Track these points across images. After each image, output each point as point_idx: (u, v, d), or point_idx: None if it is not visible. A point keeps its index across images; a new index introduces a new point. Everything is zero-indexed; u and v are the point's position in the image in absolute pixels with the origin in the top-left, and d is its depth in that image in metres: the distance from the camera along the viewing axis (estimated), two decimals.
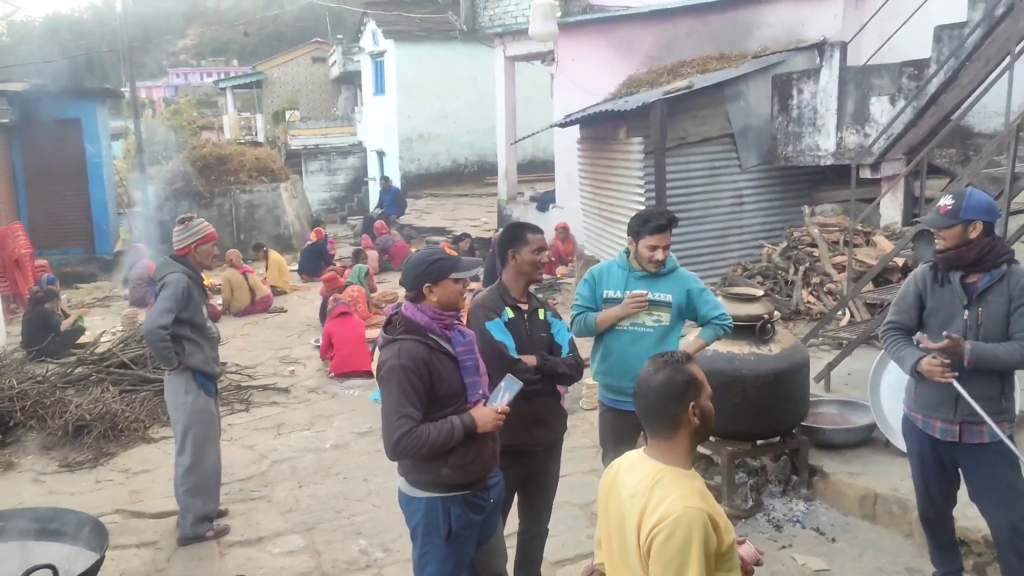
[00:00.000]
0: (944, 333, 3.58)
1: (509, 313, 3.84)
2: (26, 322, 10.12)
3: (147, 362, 8.46)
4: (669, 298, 4.23)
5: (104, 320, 11.69)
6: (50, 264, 13.42)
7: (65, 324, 10.12)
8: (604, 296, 4.32)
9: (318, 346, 9.97)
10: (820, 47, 9.80)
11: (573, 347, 3.97)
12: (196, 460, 5.20)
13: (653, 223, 4.21)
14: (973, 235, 3.58)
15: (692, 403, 2.37)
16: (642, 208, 9.64)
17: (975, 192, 3.65)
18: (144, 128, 25.27)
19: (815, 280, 8.73)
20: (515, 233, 3.93)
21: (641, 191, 9.64)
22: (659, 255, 4.20)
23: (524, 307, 3.90)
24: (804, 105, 9.49)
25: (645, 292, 4.20)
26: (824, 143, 9.36)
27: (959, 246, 3.61)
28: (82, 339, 10.07)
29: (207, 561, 5.01)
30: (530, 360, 3.77)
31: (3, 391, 7.19)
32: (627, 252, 4.36)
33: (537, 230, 3.95)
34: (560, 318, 4.04)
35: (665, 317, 4.23)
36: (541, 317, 3.95)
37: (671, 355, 2.47)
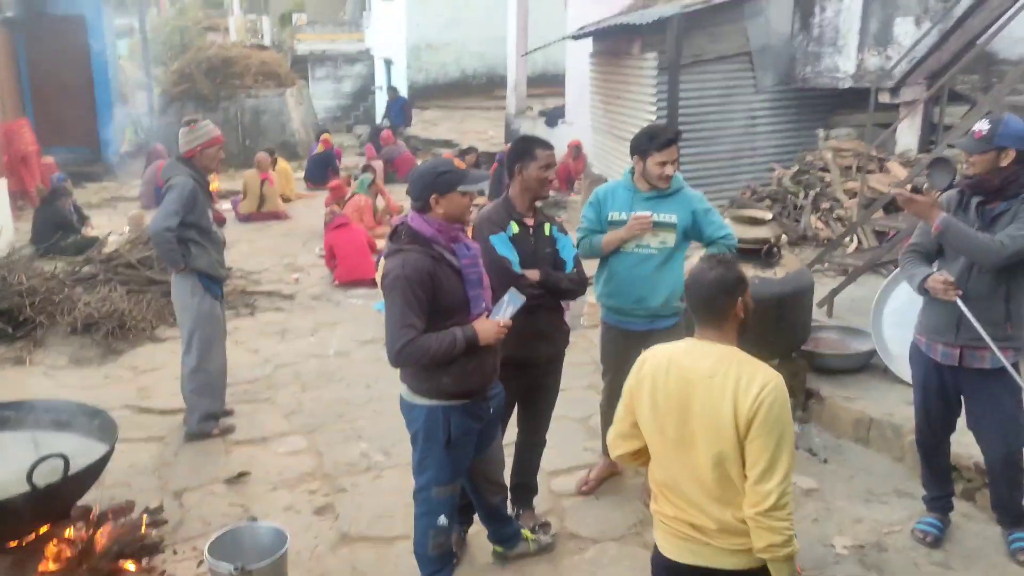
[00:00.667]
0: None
1: (514, 228, 3.83)
2: (38, 219, 10.13)
3: (154, 263, 8.49)
4: (674, 219, 4.17)
5: (111, 220, 11.69)
6: (56, 163, 13.32)
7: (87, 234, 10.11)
8: (609, 218, 4.26)
9: (322, 255, 10.00)
10: None
11: (578, 263, 3.98)
12: (201, 360, 5.29)
13: (661, 138, 4.13)
14: (1005, 163, 3.54)
15: (740, 298, 2.62)
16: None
17: (1012, 119, 3.57)
18: (149, 27, 24.82)
19: (825, 206, 8.68)
20: (524, 147, 3.88)
21: (653, 108, 9.51)
22: (668, 170, 4.13)
23: (530, 222, 3.89)
24: (826, 24, 9.25)
25: (650, 214, 4.14)
26: (844, 64, 9.17)
27: (988, 172, 3.57)
28: (87, 235, 10.12)
29: (213, 457, 5.14)
30: (533, 275, 3.78)
31: (12, 286, 7.25)
32: (631, 172, 4.28)
33: (547, 146, 3.89)
34: (566, 233, 4.03)
35: (670, 239, 4.19)
36: (547, 232, 3.94)
37: (723, 256, 2.86)
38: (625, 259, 4.24)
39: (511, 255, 3.76)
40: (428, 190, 3.25)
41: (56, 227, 9.92)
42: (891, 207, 7.96)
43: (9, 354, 6.82)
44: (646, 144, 4.16)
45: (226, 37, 32.14)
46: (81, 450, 3.90)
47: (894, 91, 8.76)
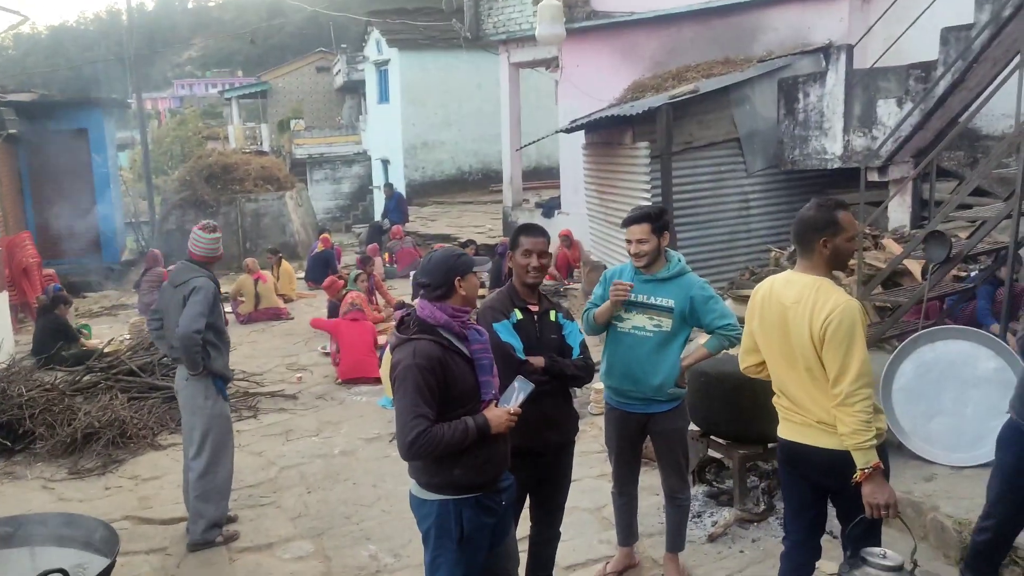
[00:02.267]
0: None
1: (518, 315, 3.83)
2: (38, 329, 10.13)
3: (155, 369, 8.46)
4: (671, 303, 4.16)
5: (111, 328, 11.70)
6: (57, 274, 13.43)
7: (87, 344, 10.11)
8: None
9: (325, 352, 9.98)
10: (826, 50, 9.78)
11: (584, 349, 3.95)
12: (212, 464, 5.21)
13: (628, 216, 4.22)
14: None
15: (825, 238, 3.22)
16: None
17: None
18: (150, 139, 25.43)
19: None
20: (512, 236, 3.96)
21: (647, 195, 9.63)
22: (634, 248, 4.17)
23: (534, 308, 3.89)
24: (811, 108, 9.47)
25: (629, 284, 4.16)
26: (831, 146, 9.35)
27: None
28: (88, 345, 10.09)
29: (217, 567, 4.99)
30: (537, 361, 3.75)
31: (12, 399, 7.19)
32: None
33: (535, 232, 3.91)
34: (572, 320, 4.03)
35: (666, 322, 4.17)
36: (552, 318, 3.93)
37: (827, 199, 3.33)
38: (622, 339, 4.25)
39: (515, 342, 3.75)
40: (452, 273, 3.28)
41: (56, 334, 9.91)
42: (889, 283, 7.99)
43: (8, 468, 6.71)
44: (622, 222, 4.27)
45: (226, 145, 32.94)
46: (82, 564, 3.79)
47: (882, 170, 8.90)
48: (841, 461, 3.16)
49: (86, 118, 16.96)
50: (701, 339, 4.48)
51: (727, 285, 9.43)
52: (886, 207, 8.63)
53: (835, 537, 4.66)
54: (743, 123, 9.88)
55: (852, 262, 8.38)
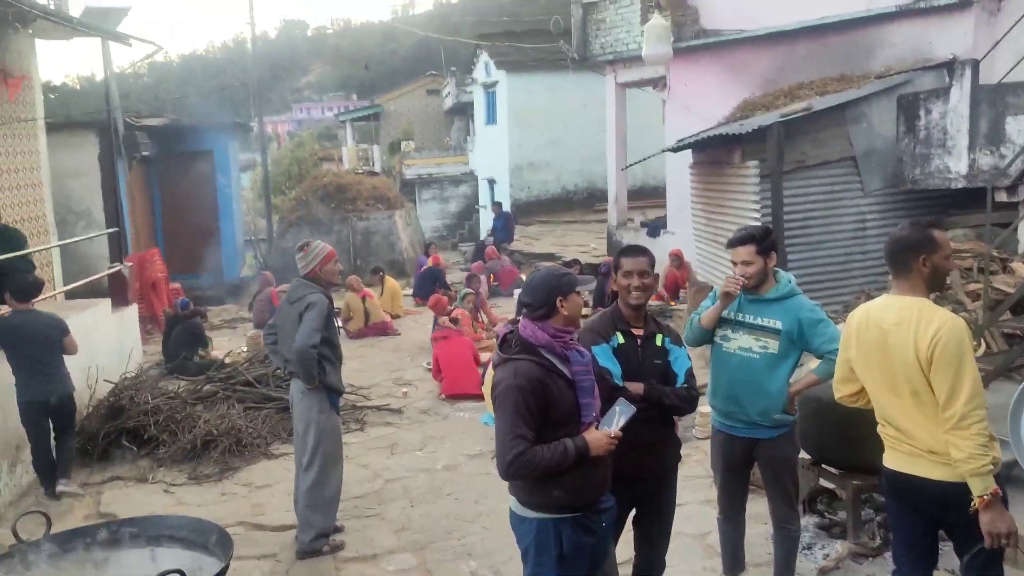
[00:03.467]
0: None
1: (619, 338, 3.78)
2: (175, 335, 10.67)
3: (269, 381, 8.79)
4: (778, 324, 4.04)
5: (230, 341, 12.23)
6: (183, 288, 14.15)
7: (209, 355, 10.61)
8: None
9: (429, 368, 10.15)
10: (949, 66, 9.37)
11: (690, 377, 3.84)
12: (322, 476, 5.37)
13: (733, 237, 4.15)
14: None
15: (923, 256, 3.14)
16: None
17: None
18: (270, 160, 26.56)
19: (948, 308, 8.28)
20: (615, 258, 3.93)
21: (757, 215, 9.42)
22: (739, 270, 4.08)
23: (638, 332, 3.83)
24: (933, 126, 9.07)
25: (741, 279, 4.05)
26: (955, 165, 8.92)
27: None
28: (210, 356, 10.60)
29: (323, 575, 5.12)
30: (636, 388, 3.68)
31: (139, 406, 7.61)
32: None
33: (636, 253, 3.86)
34: (681, 345, 3.94)
35: (772, 344, 4.05)
36: (658, 343, 3.85)
37: (920, 219, 3.28)
38: (727, 360, 4.16)
39: (612, 367, 3.70)
40: (554, 293, 3.26)
41: (194, 340, 10.47)
42: (1019, 308, 7.54)
43: (133, 472, 7.10)
44: (728, 245, 4.18)
45: (340, 166, 34.06)
46: (198, 566, 3.95)
47: (1011, 189, 8.43)
48: (955, 493, 3.02)
49: (212, 141, 17.87)
50: (812, 364, 4.34)
51: (841, 309, 9.10)
52: (1015, 228, 8.19)
53: (951, 573, 4.42)
54: (859, 141, 9.55)
55: (977, 288, 7.97)
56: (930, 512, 3.21)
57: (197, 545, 4.23)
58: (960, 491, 3.00)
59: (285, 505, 6.24)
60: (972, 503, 2.96)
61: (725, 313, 4.16)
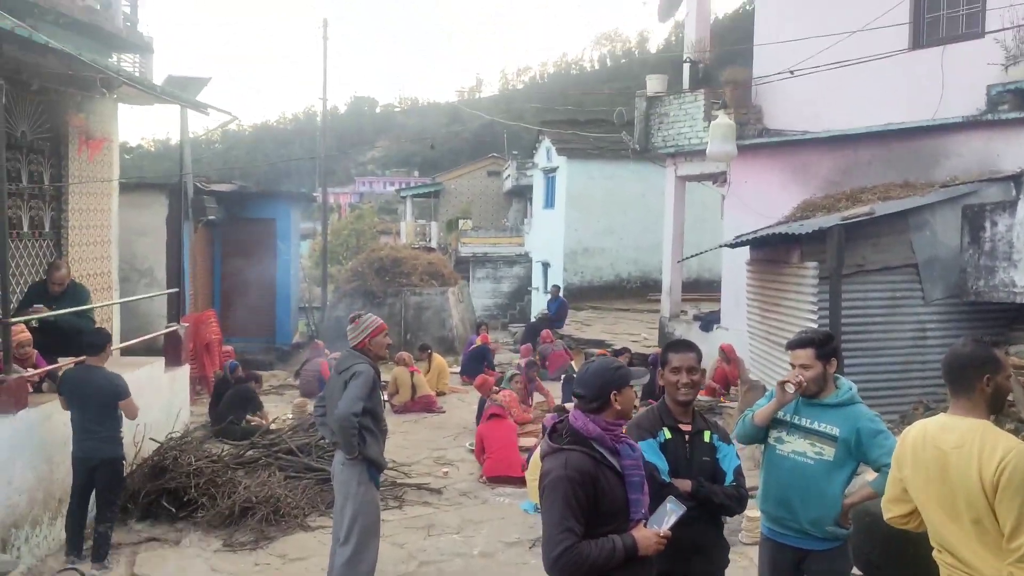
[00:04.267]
0: None
1: (666, 434, 3.72)
2: (227, 397, 10.75)
3: (312, 450, 8.79)
4: (835, 431, 3.94)
5: (276, 407, 12.30)
6: (234, 351, 14.35)
7: (254, 420, 10.67)
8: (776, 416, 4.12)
9: (472, 449, 10.05)
10: (1016, 179, 9.26)
11: (739, 475, 3.77)
12: (358, 551, 5.33)
13: (793, 339, 4.13)
14: None
15: (987, 375, 3.03)
16: None
17: None
18: (330, 230, 27.16)
19: (1009, 427, 7.98)
20: (662, 353, 3.90)
21: (814, 317, 9.26)
22: (795, 373, 4.01)
23: (686, 428, 3.77)
24: (998, 238, 8.91)
25: (801, 379, 3.96)
26: (1020, 279, 8.71)
27: None
28: (255, 421, 10.64)
29: None
30: (684, 484, 3.61)
31: (182, 467, 7.64)
32: None
33: (683, 348, 3.84)
34: (730, 443, 3.87)
35: (828, 451, 3.94)
36: (707, 439, 3.79)
37: (982, 337, 3.05)
38: (780, 463, 4.06)
39: (659, 462, 3.64)
40: (608, 387, 3.24)
41: (245, 403, 10.53)
42: None
43: (170, 534, 7.09)
44: (787, 347, 4.16)
45: (397, 240, 34.70)
46: None
47: None
48: None
49: (275, 209, 18.38)
50: (869, 476, 4.19)
51: (898, 419, 8.82)
52: None
53: None
54: (922, 249, 9.41)
55: (1012, 400, 7.68)
56: None
57: None
58: None
59: None
60: None
61: (780, 414, 4.08)
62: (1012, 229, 8.78)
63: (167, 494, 7.44)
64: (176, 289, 10.51)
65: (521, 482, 8.48)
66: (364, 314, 5.67)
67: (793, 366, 4.06)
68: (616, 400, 3.23)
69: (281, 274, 18.24)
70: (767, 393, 4.30)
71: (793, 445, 4.03)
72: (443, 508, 8.12)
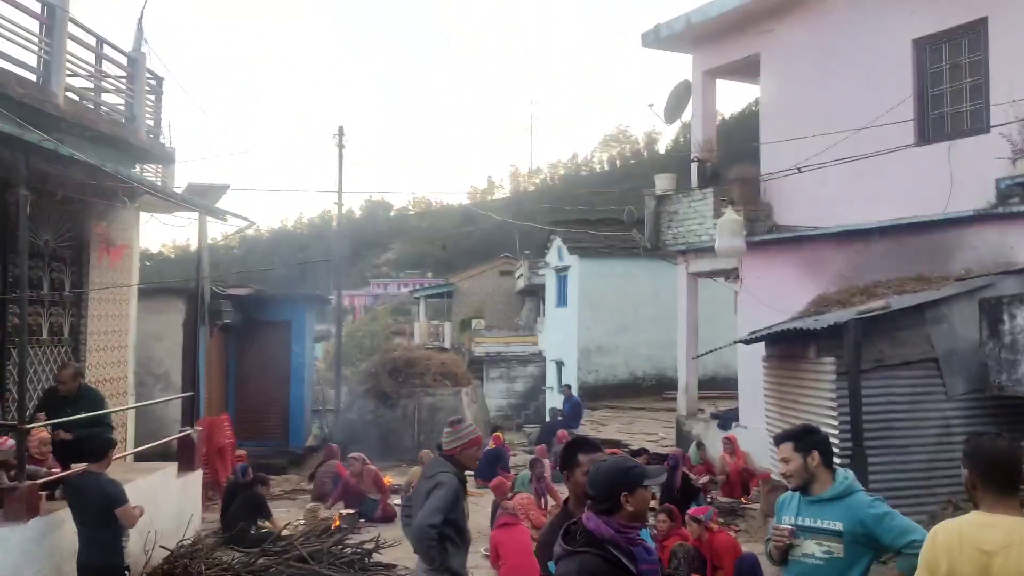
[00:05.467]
0: None
1: None
2: (237, 504, 10.56)
3: (323, 557, 8.57)
4: (839, 526, 3.87)
5: (288, 512, 12.06)
6: (246, 454, 14.20)
7: (266, 526, 10.46)
8: (781, 523, 4.12)
9: (487, 555, 9.77)
10: None
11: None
12: None
13: (777, 435, 4.18)
14: None
15: None
16: (835, 432, 9.10)
17: None
18: (344, 332, 27.26)
19: None
20: (567, 453, 3.86)
21: (834, 414, 9.13)
22: (780, 468, 4.10)
23: None
24: (1018, 331, 8.82)
25: (790, 527, 3.99)
26: None
27: None
28: (268, 527, 10.42)
29: None
30: None
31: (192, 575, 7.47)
32: None
33: (593, 449, 3.85)
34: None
35: (836, 548, 3.86)
36: None
37: (1006, 433, 3.10)
38: (793, 568, 4.00)
39: None
40: (618, 488, 3.18)
41: (254, 511, 10.32)
42: None
43: None
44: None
45: (411, 340, 34.74)
46: None
47: None
48: None
49: (291, 311, 18.50)
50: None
51: (926, 518, 8.56)
52: None
53: None
54: (941, 343, 9.33)
55: None
56: None
57: None
58: None
59: None
60: None
61: (788, 519, 4.07)
62: None
63: None
64: (191, 393, 10.50)
65: None
66: (465, 421, 5.62)
67: (779, 460, 4.14)
68: (627, 501, 3.16)
69: (295, 376, 18.21)
70: (776, 505, 4.30)
71: (803, 548, 3.97)
72: None
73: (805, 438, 4.09)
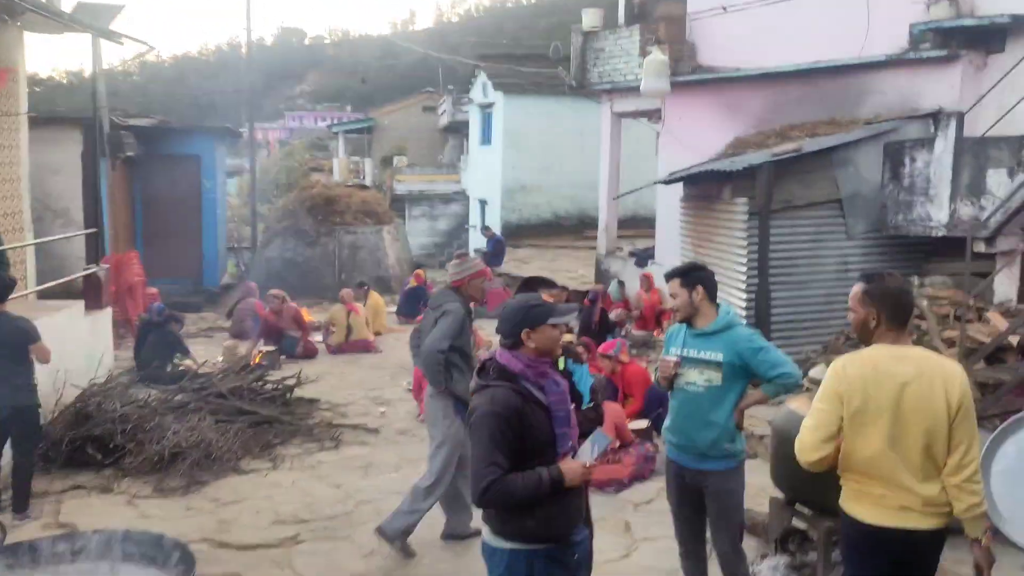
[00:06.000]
0: None
1: None
2: (149, 343, 10.51)
3: (244, 394, 8.68)
4: (719, 357, 4.15)
5: (206, 350, 12.08)
6: (160, 293, 14.00)
7: (183, 364, 10.46)
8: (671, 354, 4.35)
9: (410, 388, 10.07)
10: (935, 117, 9.50)
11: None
12: (438, 478, 5.52)
13: (668, 271, 4.36)
14: None
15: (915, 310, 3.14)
16: (743, 269, 9.45)
17: None
18: (258, 167, 26.44)
19: None
20: (525, 288, 3.97)
21: (744, 252, 9.46)
22: (669, 302, 4.27)
23: None
24: (917, 174, 9.16)
25: (674, 358, 4.23)
26: (936, 214, 9.00)
27: None
28: (184, 365, 10.45)
29: None
30: None
31: (107, 413, 7.45)
32: None
33: (550, 285, 3.98)
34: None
35: (716, 377, 4.15)
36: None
37: (890, 272, 3.36)
38: (677, 395, 4.29)
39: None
40: (520, 325, 3.26)
41: (168, 349, 10.30)
42: (992, 358, 7.58)
43: (96, 481, 6.94)
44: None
45: (329, 177, 33.97)
46: None
47: (989, 241, 8.53)
48: (939, 539, 3.21)
49: (199, 145, 17.77)
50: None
51: (821, 349, 9.12)
52: (992, 280, 8.25)
53: None
54: (846, 185, 9.63)
55: (953, 336, 8.01)
56: (904, 560, 3.21)
57: (157, 562, 4.13)
58: (940, 537, 3.19)
59: (253, 523, 6.16)
60: (981, 538, 3.13)
61: (675, 351, 4.29)
62: (929, 165, 9.03)
63: (91, 442, 7.24)
64: (95, 229, 10.13)
65: None
66: (470, 255, 5.82)
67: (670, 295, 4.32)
68: (530, 338, 3.25)
69: (207, 213, 17.72)
70: (665, 335, 4.53)
71: (686, 376, 4.23)
72: (380, 447, 8.15)
73: (691, 274, 4.29)
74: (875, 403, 3.12)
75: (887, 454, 3.12)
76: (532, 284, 3.97)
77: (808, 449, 3.25)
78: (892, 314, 3.21)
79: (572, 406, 3.43)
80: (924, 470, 3.09)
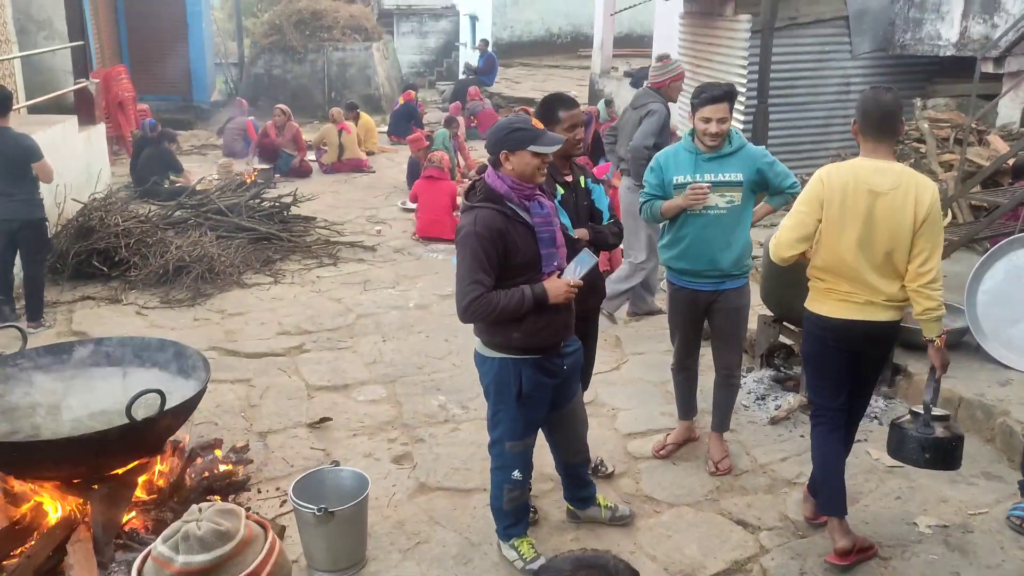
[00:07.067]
0: None
1: (560, 190, 3.84)
2: (143, 159, 10.43)
3: (242, 210, 8.72)
4: (740, 177, 4.11)
5: (200, 167, 12.02)
6: (150, 109, 13.71)
7: (179, 181, 10.40)
8: (674, 182, 4.17)
9: (404, 208, 10.12)
10: None
11: (613, 211, 4.07)
12: (645, 260, 6.24)
13: (707, 94, 4.06)
14: None
15: (903, 123, 3.45)
16: (743, 89, 9.30)
17: None
18: None
19: None
20: (547, 110, 3.84)
21: (744, 71, 9.27)
22: (712, 128, 4.04)
23: (569, 179, 3.92)
24: None
25: (707, 185, 4.06)
26: (947, 32, 8.76)
27: None
28: (180, 182, 10.44)
29: (296, 401, 5.30)
30: (582, 233, 3.82)
31: (109, 228, 7.54)
32: (692, 133, 4.20)
33: (570, 105, 3.86)
34: (599, 183, 4.07)
35: (737, 196, 4.13)
36: (583, 185, 3.96)
37: (886, 86, 3.48)
38: (695, 221, 4.15)
39: (565, 219, 3.76)
40: (499, 145, 3.27)
41: (163, 165, 10.25)
42: (990, 181, 7.63)
43: (104, 293, 7.15)
44: (694, 99, 4.11)
45: None
46: (175, 387, 3.99)
47: (998, 61, 8.33)
48: (893, 330, 3.56)
49: None
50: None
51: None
52: (997, 102, 8.16)
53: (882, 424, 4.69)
54: (854, 1, 9.30)
55: (952, 159, 8.02)
56: (863, 350, 3.57)
57: (173, 366, 4.25)
58: (895, 329, 3.55)
59: (259, 333, 6.37)
60: (935, 339, 3.42)
61: (685, 178, 4.14)
62: None
63: (97, 254, 7.40)
64: (81, 42, 9.78)
65: (452, 241, 8.64)
66: (671, 58, 6.20)
67: (708, 120, 4.04)
68: (508, 159, 3.25)
69: (193, 26, 17.04)
70: (652, 164, 4.35)
71: (706, 201, 4.10)
72: (378, 265, 8.30)
73: (734, 97, 4.18)
74: (852, 210, 3.37)
75: (856, 255, 3.39)
76: (552, 102, 3.88)
77: (783, 246, 3.56)
78: (864, 123, 3.37)
79: (559, 225, 3.45)
80: (886, 271, 3.38)
